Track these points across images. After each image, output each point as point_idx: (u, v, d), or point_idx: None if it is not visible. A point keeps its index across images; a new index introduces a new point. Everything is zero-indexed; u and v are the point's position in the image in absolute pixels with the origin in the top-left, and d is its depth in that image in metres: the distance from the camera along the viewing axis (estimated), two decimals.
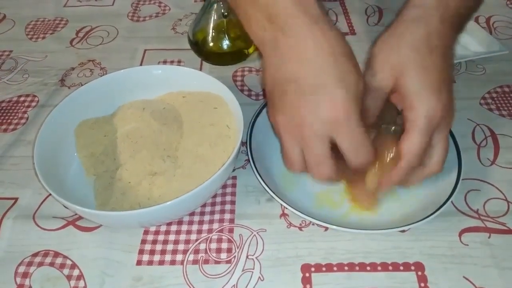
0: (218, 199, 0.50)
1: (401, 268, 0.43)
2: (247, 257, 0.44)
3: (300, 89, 0.39)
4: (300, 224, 0.47)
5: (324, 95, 0.38)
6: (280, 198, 0.45)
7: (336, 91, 0.38)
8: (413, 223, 0.43)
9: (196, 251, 0.45)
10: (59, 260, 0.45)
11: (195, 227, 0.47)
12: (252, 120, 0.54)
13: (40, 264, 0.44)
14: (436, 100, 0.40)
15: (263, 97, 0.61)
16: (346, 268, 0.43)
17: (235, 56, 0.68)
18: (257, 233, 0.46)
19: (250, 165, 0.48)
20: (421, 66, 0.41)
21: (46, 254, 0.45)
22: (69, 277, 0.43)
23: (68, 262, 0.45)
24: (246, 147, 0.50)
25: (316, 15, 0.39)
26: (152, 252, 0.45)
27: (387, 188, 0.44)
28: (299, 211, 0.44)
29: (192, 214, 0.48)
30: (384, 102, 0.44)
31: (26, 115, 0.61)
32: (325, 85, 0.38)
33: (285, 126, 0.41)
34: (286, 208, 0.45)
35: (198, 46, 0.67)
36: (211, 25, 0.64)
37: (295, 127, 0.40)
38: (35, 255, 0.45)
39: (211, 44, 0.66)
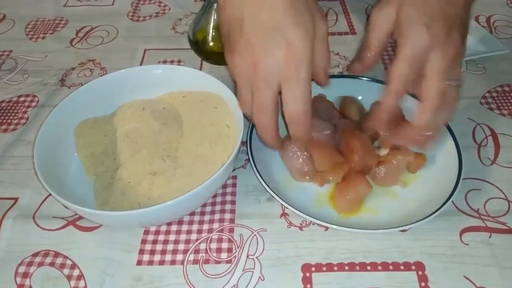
0: (219, 199, 0.49)
1: (402, 267, 0.43)
2: (247, 257, 0.44)
3: (256, 28, 0.38)
4: (301, 224, 0.47)
5: (282, 35, 0.37)
6: (280, 198, 0.45)
7: (294, 32, 0.37)
8: (413, 222, 0.43)
9: (197, 251, 0.45)
10: (59, 260, 0.45)
11: (195, 227, 0.47)
12: None
13: (40, 264, 0.44)
14: (425, 28, 0.40)
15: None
16: (346, 267, 0.43)
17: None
18: (257, 232, 0.46)
19: (250, 164, 0.48)
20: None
21: (46, 254, 0.45)
22: (69, 277, 0.43)
23: (68, 262, 0.45)
24: (246, 147, 0.50)
25: None
26: (152, 252, 0.45)
27: (384, 125, 0.45)
28: (299, 211, 0.44)
29: (192, 214, 0.48)
30: (387, 39, 0.45)
31: (26, 115, 0.61)
32: (281, 27, 0.37)
33: (240, 67, 0.40)
34: (286, 208, 0.45)
35: (198, 46, 0.67)
36: (211, 24, 0.64)
37: (249, 66, 0.39)
38: (35, 255, 0.45)
39: (211, 43, 0.66)
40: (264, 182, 0.46)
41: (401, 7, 0.43)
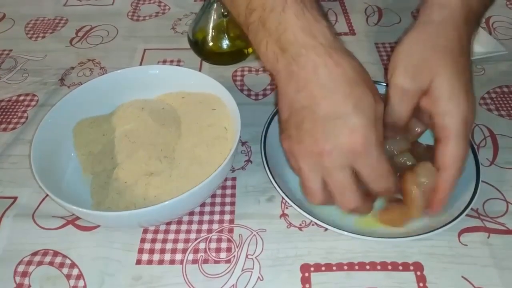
0: (218, 200, 0.50)
1: (400, 268, 0.43)
2: (246, 256, 0.44)
3: (317, 117, 0.38)
4: (300, 224, 0.47)
5: (341, 123, 0.37)
6: (286, 195, 0.45)
7: (353, 118, 0.37)
8: (422, 234, 0.42)
9: (196, 251, 0.45)
10: (58, 259, 0.45)
11: (194, 227, 0.47)
12: (270, 116, 0.53)
13: (40, 263, 0.44)
14: (470, 103, 0.40)
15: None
16: (345, 267, 0.43)
17: (235, 55, 0.68)
18: (256, 233, 0.46)
19: (262, 160, 0.48)
20: (455, 68, 0.41)
21: (45, 253, 0.45)
22: (68, 276, 0.43)
23: (68, 261, 0.45)
24: (260, 144, 0.50)
25: (328, 42, 0.38)
26: (151, 251, 0.45)
27: (438, 208, 0.43)
28: (302, 209, 0.44)
29: (191, 213, 0.48)
30: (415, 106, 0.43)
31: (25, 114, 0.61)
32: (341, 113, 0.37)
33: (303, 155, 0.39)
34: (287, 207, 0.45)
35: (198, 46, 0.67)
36: (211, 24, 0.64)
37: (314, 155, 0.38)
38: (34, 254, 0.45)
39: (211, 43, 0.66)
40: (272, 177, 0.46)
41: (435, 78, 0.41)
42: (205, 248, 0.45)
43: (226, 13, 0.63)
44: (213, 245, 0.45)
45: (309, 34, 0.38)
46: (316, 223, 0.46)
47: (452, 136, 0.40)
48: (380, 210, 0.46)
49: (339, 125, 0.37)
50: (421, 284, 0.42)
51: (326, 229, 0.46)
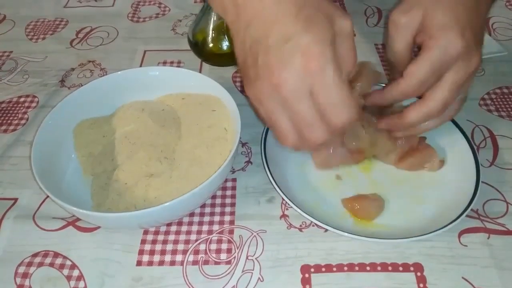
0: (218, 201, 0.50)
1: (401, 268, 0.43)
2: (247, 258, 0.44)
3: (269, 47, 0.35)
4: (300, 225, 0.47)
5: (293, 45, 0.34)
6: (286, 196, 0.45)
7: (304, 37, 0.34)
8: (422, 235, 0.43)
9: (196, 252, 0.45)
10: (59, 261, 0.45)
11: (195, 228, 0.47)
12: None
13: (40, 264, 0.45)
14: (460, 36, 0.39)
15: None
16: (345, 268, 0.43)
17: (235, 57, 0.68)
18: (257, 234, 0.46)
19: (262, 161, 0.48)
20: (452, 2, 0.40)
21: (46, 254, 0.45)
22: (69, 278, 0.43)
23: (68, 262, 0.45)
24: (260, 145, 0.50)
25: None
26: (152, 253, 0.45)
27: (393, 124, 0.43)
28: (302, 211, 0.44)
29: (192, 215, 0.48)
30: (412, 42, 0.44)
31: (26, 116, 0.61)
32: (291, 35, 0.34)
33: (264, 93, 0.36)
34: (288, 208, 0.45)
35: (198, 47, 0.67)
36: (211, 26, 0.65)
37: (273, 89, 0.35)
38: (35, 255, 0.45)
39: (211, 45, 0.66)
40: (272, 177, 0.46)
41: (428, 11, 0.41)
42: (206, 249, 0.45)
43: None
44: (214, 246, 0.45)
45: None
46: (316, 224, 0.46)
47: (423, 55, 0.40)
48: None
49: (291, 48, 0.34)
50: (421, 285, 0.42)
51: (326, 230, 0.46)
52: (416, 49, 0.43)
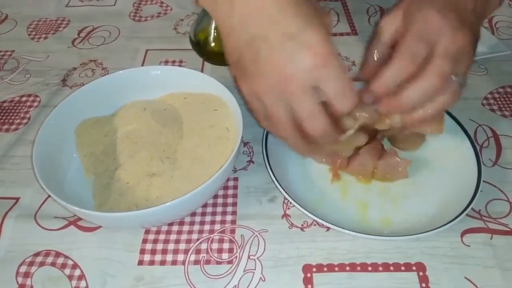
0: (220, 200, 0.50)
1: (403, 268, 0.43)
2: (248, 257, 0.44)
3: (271, 43, 0.37)
4: (302, 225, 0.47)
5: (297, 42, 0.36)
6: (288, 195, 0.45)
7: (307, 34, 0.36)
8: (424, 232, 0.42)
9: (198, 251, 0.45)
10: (60, 260, 0.45)
11: (196, 227, 0.47)
12: None
13: (42, 264, 0.45)
14: (437, 11, 0.39)
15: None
16: (347, 268, 0.43)
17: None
18: (258, 233, 0.46)
19: (264, 160, 0.48)
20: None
21: (47, 254, 0.45)
22: (70, 277, 0.43)
23: (70, 262, 0.45)
24: (262, 144, 0.50)
25: None
26: (153, 252, 0.45)
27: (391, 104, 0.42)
28: (305, 209, 0.44)
29: (193, 214, 0.48)
30: (389, 44, 0.44)
31: (28, 115, 0.61)
32: (295, 32, 0.36)
33: (265, 88, 0.39)
34: (289, 208, 0.45)
35: (200, 46, 0.67)
36: (213, 25, 0.64)
37: (277, 84, 0.38)
38: (36, 254, 0.45)
39: (212, 44, 0.66)
40: (274, 176, 0.46)
41: (408, 9, 0.42)
42: (207, 249, 0.45)
43: None
44: (215, 245, 0.45)
45: None
46: (318, 223, 0.46)
47: (409, 33, 0.40)
48: None
49: (295, 45, 0.36)
50: (423, 285, 0.42)
51: (328, 229, 0.46)
52: None
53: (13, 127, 0.60)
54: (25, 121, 0.60)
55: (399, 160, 0.49)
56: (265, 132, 0.51)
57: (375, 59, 0.46)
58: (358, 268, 0.43)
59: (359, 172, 0.50)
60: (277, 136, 0.43)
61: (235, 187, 0.51)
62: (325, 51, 0.36)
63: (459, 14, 0.41)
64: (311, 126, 0.40)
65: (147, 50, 0.72)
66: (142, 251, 0.45)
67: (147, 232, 0.47)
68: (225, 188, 0.51)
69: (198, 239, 0.46)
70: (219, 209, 0.49)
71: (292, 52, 0.36)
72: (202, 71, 0.66)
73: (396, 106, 0.41)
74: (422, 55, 0.40)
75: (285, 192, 0.45)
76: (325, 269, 0.43)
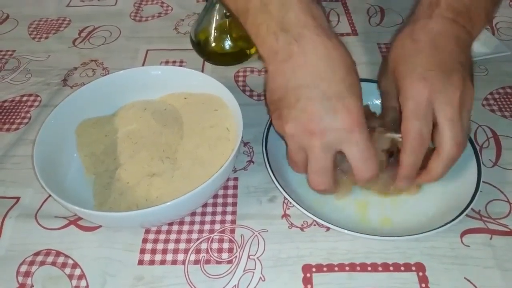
0: (220, 200, 0.50)
1: (402, 268, 0.43)
2: (248, 257, 0.44)
3: (313, 96, 0.39)
4: (302, 225, 0.47)
5: (337, 102, 0.39)
6: (288, 195, 0.45)
7: (349, 99, 0.39)
8: (423, 232, 0.43)
9: (198, 251, 0.45)
10: (60, 259, 0.45)
11: (196, 227, 0.47)
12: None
13: (42, 263, 0.45)
14: (422, 79, 0.41)
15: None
16: (347, 268, 0.43)
17: (237, 56, 0.68)
18: (258, 233, 0.46)
19: (264, 160, 0.48)
20: (411, 53, 0.43)
21: (48, 253, 0.45)
22: (70, 276, 0.43)
23: (70, 261, 0.45)
24: (262, 144, 0.50)
25: (326, 27, 0.40)
26: (153, 252, 0.45)
27: (400, 182, 0.45)
28: (305, 209, 0.44)
29: (193, 214, 0.48)
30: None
31: (28, 115, 0.61)
32: (337, 94, 0.39)
33: (293, 132, 0.41)
34: (289, 208, 0.45)
35: (200, 47, 0.67)
36: (213, 25, 0.65)
37: (305, 132, 0.40)
38: (36, 254, 0.45)
39: (213, 44, 0.66)
40: (274, 176, 0.47)
41: (395, 67, 0.44)
42: (207, 249, 0.45)
43: (228, 13, 0.63)
44: (215, 245, 0.45)
45: (310, 16, 0.40)
46: (317, 223, 0.46)
47: (407, 114, 0.41)
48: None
49: (335, 104, 0.39)
50: (423, 285, 0.42)
51: (327, 229, 0.46)
52: None
53: (14, 126, 0.60)
54: (25, 120, 0.61)
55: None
56: (265, 132, 0.51)
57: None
58: (358, 268, 0.43)
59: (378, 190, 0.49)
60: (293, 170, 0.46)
61: (235, 187, 0.51)
62: (360, 119, 0.39)
63: (441, 66, 0.42)
64: (314, 180, 0.42)
65: (147, 50, 0.72)
66: (142, 251, 0.45)
67: (147, 231, 0.47)
68: (225, 188, 0.51)
69: (198, 239, 0.46)
70: (219, 209, 0.49)
71: (330, 109, 0.39)
72: (202, 71, 0.67)
73: (428, 180, 0.44)
74: (428, 132, 0.41)
75: (285, 192, 0.45)
76: (325, 269, 0.43)
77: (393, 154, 0.47)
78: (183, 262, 0.44)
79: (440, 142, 0.41)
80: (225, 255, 0.45)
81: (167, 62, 0.69)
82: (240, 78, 0.66)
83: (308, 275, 0.43)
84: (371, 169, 0.41)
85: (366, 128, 0.40)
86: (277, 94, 0.42)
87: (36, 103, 0.63)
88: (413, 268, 0.43)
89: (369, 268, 0.43)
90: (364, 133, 0.39)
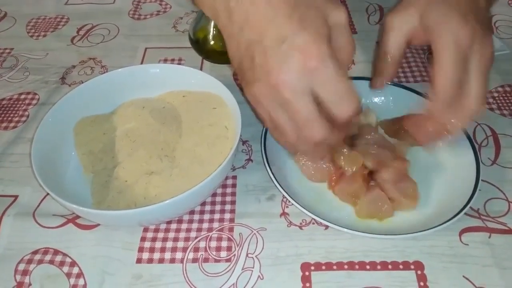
0: (218, 199, 0.50)
1: (401, 267, 0.43)
2: (246, 255, 0.44)
3: (265, 48, 0.35)
4: (300, 223, 0.47)
5: (289, 45, 0.34)
6: (287, 193, 0.45)
7: (300, 36, 0.34)
8: (422, 230, 0.43)
9: (196, 249, 0.45)
10: (58, 258, 0.45)
11: (195, 226, 0.47)
12: None
13: (40, 261, 0.45)
14: (464, 23, 0.39)
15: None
16: (345, 266, 0.43)
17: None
18: (257, 232, 0.46)
19: (262, 159, 0.48)
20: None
21: (46, 251, 0.45)
22: (68, 275, 0.43)
23: (68, 259, 0.45)
24: (261, 142, 0.50)
25: None
26: (152, 250, 0.45)
27: (431, 139, 0.43)
28: (303, 207, 0.44)
29: (192, 212, 0.48)
30: (406, 45, 0.44)
31: (26, 113, 0.61)
32: (287, 35, 0.35)
33: (263, 94, 0.37)
34: (288, 206, 0.45)
35: (199, 45, 0.67)
36: (212, 23, 0.64)
37: (272, 89, 0.36)
38: (35, 252, 0.45)
39: (211, 42, 0.66)
40: (274, 176, 0.46)
41: (426, 7, 0.41)
42: (206, 247, 0.45)
43: None
44: (214, 244, 0.45)
45: None
46: (316, 221, 0.46)
47: (442, 59, 0.39)
48: None
49: (287, 48, 0.34)
50: (421, 283, 0.42)
51: (326, 228, 0.46)
52: (427, 52, 0.43)
53: (12, 125, 0.60)
54: (23, 119, 0.60)
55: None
56: (264, 130, 0.51)
57: (389, 59, 0.45)
58: (356, 266, 0.43)
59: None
60: (281, 144, 0.42)
61: (234, 186, 0.51)
62: (319, 52, 0.34)
63: (478, 18, 0.40)
64: (309, 131, 0.38)
65: (146, 48, 0.72)
66: (141, 249, 0.45)
67: (146, 230, 0.47)
68: (224, 186, 0.51)
69: (196, 237, 0.46)
70: (218, 207, 0.49)
71: (284, 56, 0.35)
72: (201, 69, 0.66)
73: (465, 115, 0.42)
74: (460, 81, 0.40)
75: (284, 190, 0.45)
76: (323, 267, 0.43)
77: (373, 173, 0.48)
78: (182, 261, 0.44)
79: (471, 95, 0.40)
80: (223, 254, 0.45)
81: (165, 60, 0.69)
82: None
83: (307, 273, 0.43)
84: (348, 104, 0.36)
85: (332, 60, 0.34)
86: (236, 61, 0.39)
87: (34, 101, 0.63)
88: (412, 267, 0.43)
89: (368, 267, 0.43)
90: (329, 67, 0.34)
